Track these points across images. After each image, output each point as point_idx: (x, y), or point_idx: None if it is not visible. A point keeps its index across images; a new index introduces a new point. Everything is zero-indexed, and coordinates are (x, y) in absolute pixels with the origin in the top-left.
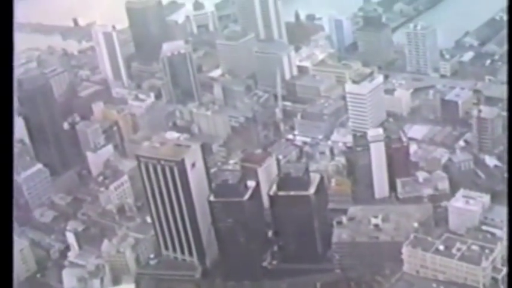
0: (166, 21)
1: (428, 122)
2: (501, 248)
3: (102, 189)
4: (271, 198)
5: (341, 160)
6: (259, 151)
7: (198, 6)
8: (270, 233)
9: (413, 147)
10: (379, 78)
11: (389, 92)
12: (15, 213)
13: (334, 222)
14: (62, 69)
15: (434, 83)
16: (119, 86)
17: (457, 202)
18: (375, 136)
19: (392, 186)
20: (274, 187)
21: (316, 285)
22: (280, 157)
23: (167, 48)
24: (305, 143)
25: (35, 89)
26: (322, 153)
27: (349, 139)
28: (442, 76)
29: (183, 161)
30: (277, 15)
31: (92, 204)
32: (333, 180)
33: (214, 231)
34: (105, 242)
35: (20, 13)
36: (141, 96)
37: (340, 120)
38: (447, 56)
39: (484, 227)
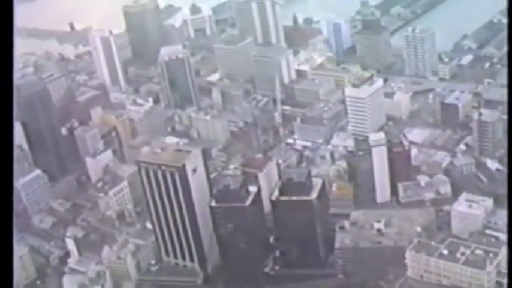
0: (164, 26)
1: (428, 126)
2: (505, 252)
3: (101, 195)
4: (273, 203)
5: (342, 164)
6: (259, 156)
7: (195, 10)
8: (271, 239)
9: (413, 151)
10: (379, 82)
11: (389, 95)
12: (14, 219)
13: (337, 227)
14: (59, 74)
15: (433, 87)
16: (116, 90)
17: (460, 206)
18: (377, 140)
19: (394, 191)
20: (276, 192)
21: None
22: (280, 161)
23: (165, 52)
24: (305, 147)
25: (33, 94)
26: (323, 157)
27: (349, 143)
28: (441, 79)
29: (184, 166)
30: (275, 19)
31: (91, 210)
32: (334, 185)
33: (216, 237)
34: (106, 248)
35: (16, 18)
36: (139, 101)
37: (339, 124)
38: (446, 59)
39: (487, 231)
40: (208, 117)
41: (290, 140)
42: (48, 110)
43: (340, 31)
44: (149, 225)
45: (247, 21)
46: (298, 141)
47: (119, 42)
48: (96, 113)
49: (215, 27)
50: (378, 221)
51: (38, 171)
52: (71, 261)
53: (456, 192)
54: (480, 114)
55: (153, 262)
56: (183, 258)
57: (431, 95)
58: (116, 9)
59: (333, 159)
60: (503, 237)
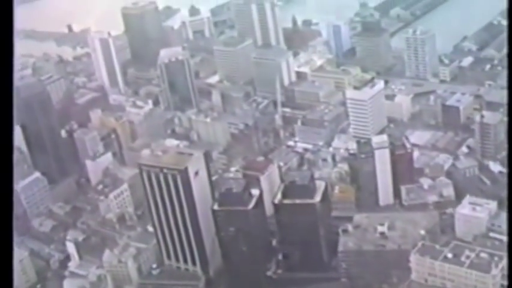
0: (162, 27)
1: (429, 128)
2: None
3: (101, 197)
4: (276, 207)
5: (344, 167)
6: (260, 158)
7: (193, 12)
8: (274, 242)
9: (415, 154)
10: (380, 84)
11: (390, 97)
12: (14, 222)
13: (340, 231)
14: (57, 76)
15: (434, 89)
16: (115, 92)
17: (464, 209)
18: (379, 143)
19: (397, 193)
20: (279, 195)
21: None
22: (281, 164)
23: (165, 54)
24: (306, 149)
25: (32, 96)
26: (324, 160)
27: (350, 145)
28: (442, 81)
29: (186, 169)
30: (274, 21)
31: (91, 213)
32: (336, 188)
33: (218, 240)
34: (107, 251)
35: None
36: (139, 103)
37: (340, 127)
38: (446, 61)
39: (491, 234)
40: (208, 120)
41: (291, 143)
42: (47, 112)
43: (339, 33)
44: (150, 229)
45: (247, 23)
46: (299, 144)
47: (117, 44)
48: (96, 115)
49: (214, 29)
50: (382, 224)
51: (37, 174)
52: (72, 265)
53: (459, 195)
54: (482, 116)
55: (154, 266)
56: (185, 261)
57: (432, 97)
58: (113, 10)
59: (334, 162)
60: None
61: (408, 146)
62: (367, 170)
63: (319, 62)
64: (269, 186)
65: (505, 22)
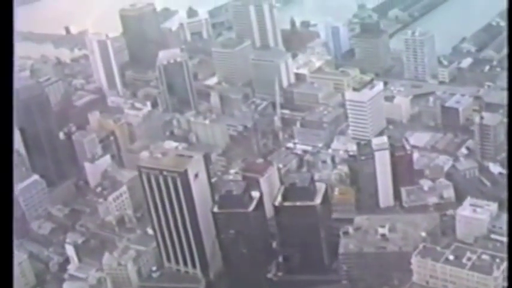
0: (160, 29)
1: (429, 129)
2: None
3: (100, 200)
4: (277, 209)
5: (343, 169)
6: (260, 160)
7: (191, 13)
8: (274, 244)
9: (415, 155)
10: (380, 86)
11: (389, 99)
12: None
13: (341, 233)
14: (55, 78)
15: (433, 90)
16: (113, 94)
17: (465, 211)
18: (379, 144)
19: (397, 195)
20: (280, 197)
21: None
22: (280, 166)
23: (163, 56)
24: (305, 151)
25: (30, 98)
26: (324, 161)
27: (349, 147)
28: (441, 83)
29: (186, 171)
30: (272, 22)
31: (90, 215)
32: (336, 189)
33: (218, 243)
34: (106, 254)
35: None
36: (137, 105)
37: (339, 128)
38: (445, 62)
39: (492, 236)
40: (207, 122)
41: (290, 144)
42: (46, 114)
43: (338, 34)
44: (150, 231)
45: (245, 25)
46: (298, 146)
47: (115, 46)
48: (94, 117)
49: (212, 31)
50: (383, 226)
51: (36, 177)
52: (71, 268)
53: (459, 197)
54: (482, 117)
55: (154, 268)
56: (185, 264)
57: (431, 99)
58: (110, 12)
59: (334, 164)
60: None
61: (408, 147)
62: (367, 171)
63: (317, 64)
64: (269, 188)
65: (503, 23)
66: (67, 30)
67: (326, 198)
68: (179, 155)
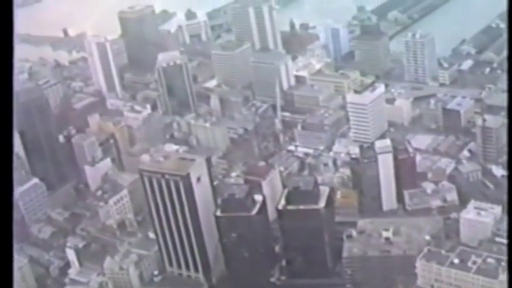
0: (159, 31)
1: (430, 132)
2: None
3: (101, 203)
4: (280, 212)
5: (346, 172)
6: (261, 163)
7: (190, 15)
8: (277, 248)
9: (417, 158)
10: (381, 88)
11: (390, 101)
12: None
13: (344, 236)
14: (54, 80)
15: (433, 92)
16: (113, 97)
17: (469, 214)
18: (382, 147)
19: (400, 198)
20: (283, 201)
21: None
22: (282, 169)
23: (162, 58)
24: (306, 154)
25: (30, 101)
26: (326, 164)
27: (351, 150)
28: (441, 85)
29: (188, 175)
30: (272, 25)
31: (91, 219)
32: (339, 193)
33: (221, 247)
34: (108, 258)
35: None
36: (137, 107)
37: (340, 131)
38: (445, 65)
39: (497, 239)
40: (207, 124)
41: (291, 147)
42: (45, 117)
43: (338, 36)
44: (151, 235)
45: (244, 27)
46: (299, 148)
47: (114, 48)
48: (94, 120)
49: (210, 33)
50: (386, 230)
51: (35, 180)
52: (72, 272)
53: (463, 200)
54: (484, 120)
55: (156, 272)
56: (187, 268)
57: (432, 101)
58: (109, 14)
59: (335, 167)
60: None
61: (411, 150)
62: (370, 174)
63: (317, 66)
64: (271, 192)
65: (503, 25)
66: (65, 32)
67: (330, 201)
68: (181, 158)
